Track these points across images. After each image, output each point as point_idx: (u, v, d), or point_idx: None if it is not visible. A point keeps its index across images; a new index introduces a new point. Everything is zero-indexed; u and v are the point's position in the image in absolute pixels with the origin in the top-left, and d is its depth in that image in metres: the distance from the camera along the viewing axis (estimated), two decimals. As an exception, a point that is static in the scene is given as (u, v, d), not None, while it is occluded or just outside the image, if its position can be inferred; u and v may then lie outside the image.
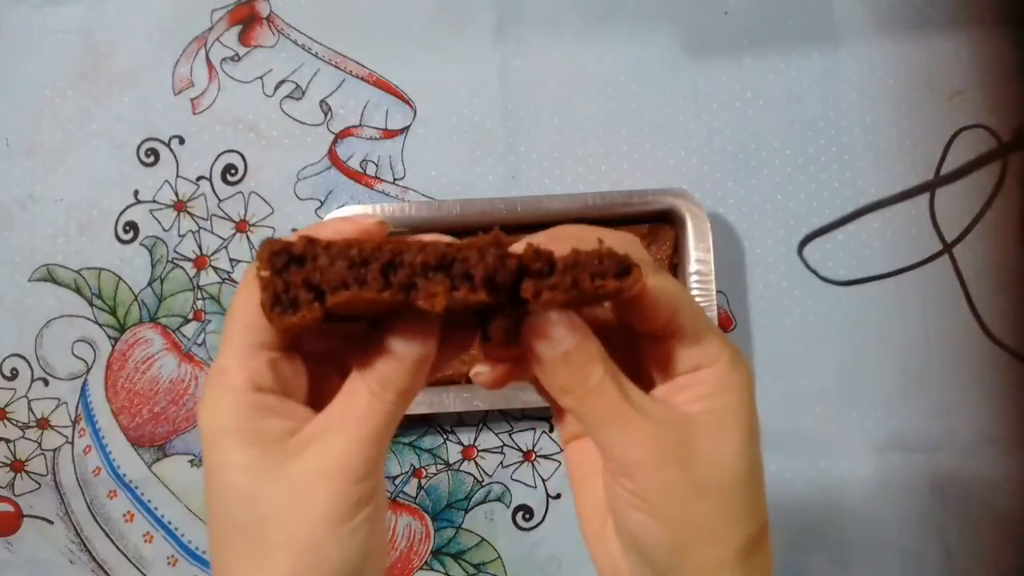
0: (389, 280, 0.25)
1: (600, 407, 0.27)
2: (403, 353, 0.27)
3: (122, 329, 0.64)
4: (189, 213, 0.65)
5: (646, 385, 0.29)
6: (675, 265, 0.61)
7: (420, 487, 0.64)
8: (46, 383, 0.64)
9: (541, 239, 0.28)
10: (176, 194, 0.65)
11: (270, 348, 0.28)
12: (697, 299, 0.58)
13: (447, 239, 0.27)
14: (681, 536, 0.27)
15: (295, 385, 0.29)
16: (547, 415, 0.64)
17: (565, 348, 0.27)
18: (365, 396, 0.27)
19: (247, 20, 0.66)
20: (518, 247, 0.27)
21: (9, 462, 0.64)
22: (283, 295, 0.25)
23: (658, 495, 0.27)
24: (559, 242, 0.27)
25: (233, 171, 0.65)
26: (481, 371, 0.32)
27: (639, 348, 0.30)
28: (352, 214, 0.34)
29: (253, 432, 0.27)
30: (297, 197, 0.65)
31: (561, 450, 0.63)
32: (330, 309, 0.25)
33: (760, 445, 0.29)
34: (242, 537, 0.27)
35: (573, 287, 0.26)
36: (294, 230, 0.64)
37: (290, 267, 0.25)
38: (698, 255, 0.58)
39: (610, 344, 0.28)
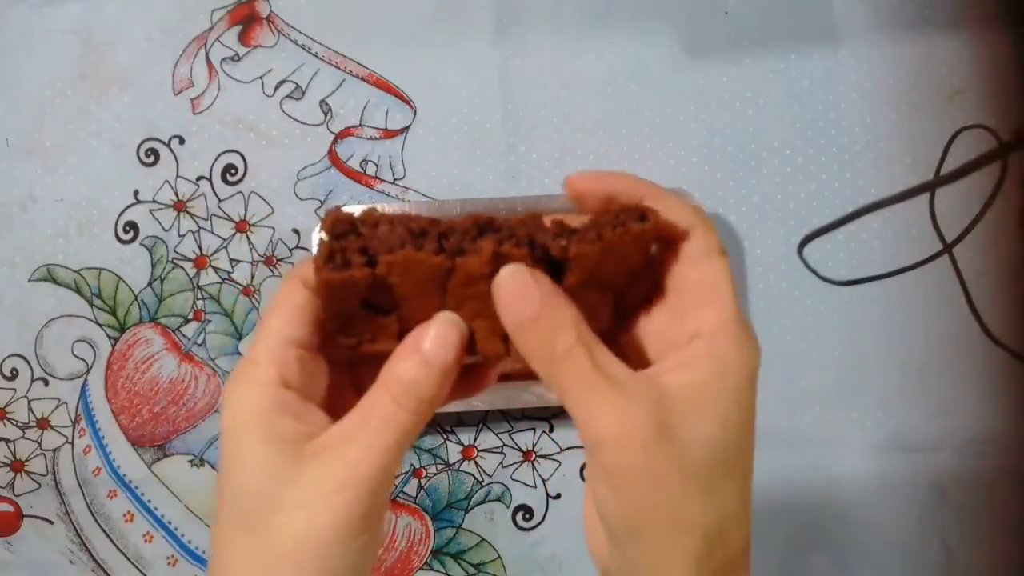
0: (442, 246, 0.27)
1: (569, 376, 0.26)
2: (431, 357, 0.27)
3: (122, 329, 0.64)
4: (189, 213, 0.65)
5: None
6: (675, 265, 0.61)
7: (420, 487, 0.64)
8: (46, 383, 0.64)
9: (584, 183, 0.29)
10: (176, 194, 0.65)
11: (301, 346, 0.28)
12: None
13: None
14: (639, 516, 0.26)
15: (316, 389, 0.29)
16: (547, 415, 0.64)
17: (532, 310, 0.26)
18: (387, 404, 0.27)
19: (247, 20, 0.66)
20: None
21: (9, 462, 0.64)
22: (338, 255, 0.27)
23: (620, 471, 0.25)
24: (604, 184, 0.28)
25: (233, 171, 0.65)
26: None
27: (644, 326, 0.29)
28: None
29: (273, 429, 0.27)
30: (297, 197, 0.65)
31: (562, 450, 0.63)
32: (379, 275, 0.27)
33: (747, 437, 0.27)
34: (249, 537, 0.27)
35: (598, 238, 0.27)
36: (295, 230, 0.64)
37: (348, 236, 0.27)
38: (698, 255, 0.58)
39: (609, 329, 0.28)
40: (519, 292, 0.26)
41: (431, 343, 0.27)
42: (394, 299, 0.28)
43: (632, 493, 0.26)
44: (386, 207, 0.60)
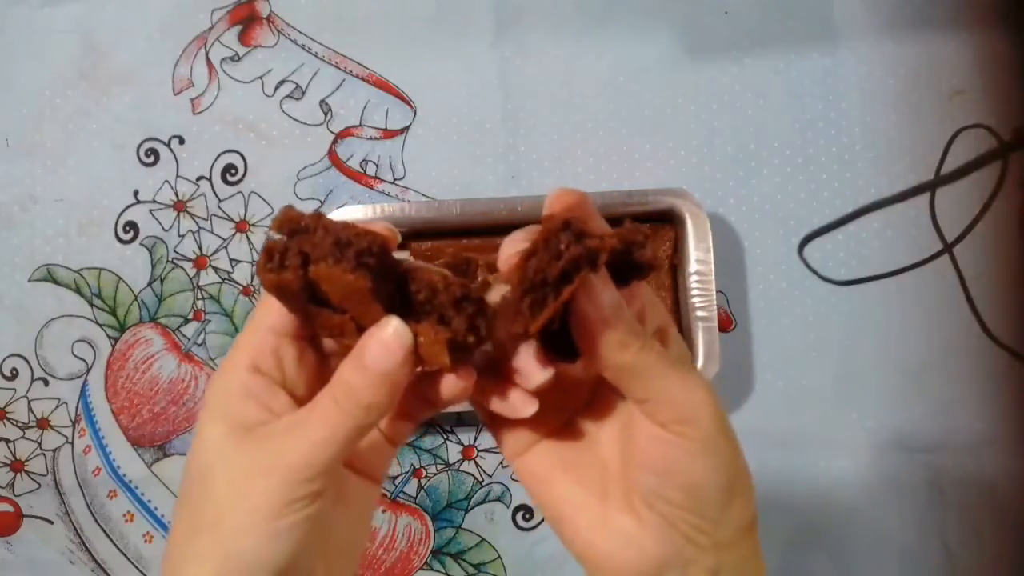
0: (362, 263, 0.26)
1: (656, 359, 0.28)
2: (369, 364, 0.27)
3: (122, 329, 0.64)
4: (189, 213, 0.65)
5: None
6: (675, 265, 0.61)
7: (420, 487, 0.64)
8: (46, 383, 0.64)
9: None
10: (176, 194, 0.65)
11: (283, 334, 0.29)
12: (697, 299, 0.58)
13: (441, 271, 0.29)
14: (733, 478, 0.29)
15: (296, 378, 0.30)
16: (547, 415, 0.64)
17: (616, 303, 0.28)
18: (327, 404, 0.28)
19: (247, 20, 0.66)
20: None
21: (9, 462, 0.64)
22: (276, 255, 0.27)
23: (715, 439, 0.28)
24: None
25: (233, 171, 0.65)
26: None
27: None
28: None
29: (232, 411, 0.28)
30: (297, 197, 0.65)
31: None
32: (311, 280, 0.27)
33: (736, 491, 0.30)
34: (187, 509, 0.28)
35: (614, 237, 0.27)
36: (294, 230, 0.64)
37: (295, 236, 0.27)
38: (698, 255, 0.58)
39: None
40: (605, 292, 0.28)
41: (370, 350, 0.27)
42: (336, 301, 0.28)
43: (725, 456, 0.29)
44: (381, 210, 0.60)
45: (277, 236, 0.27)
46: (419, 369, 0.29)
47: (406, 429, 0.33)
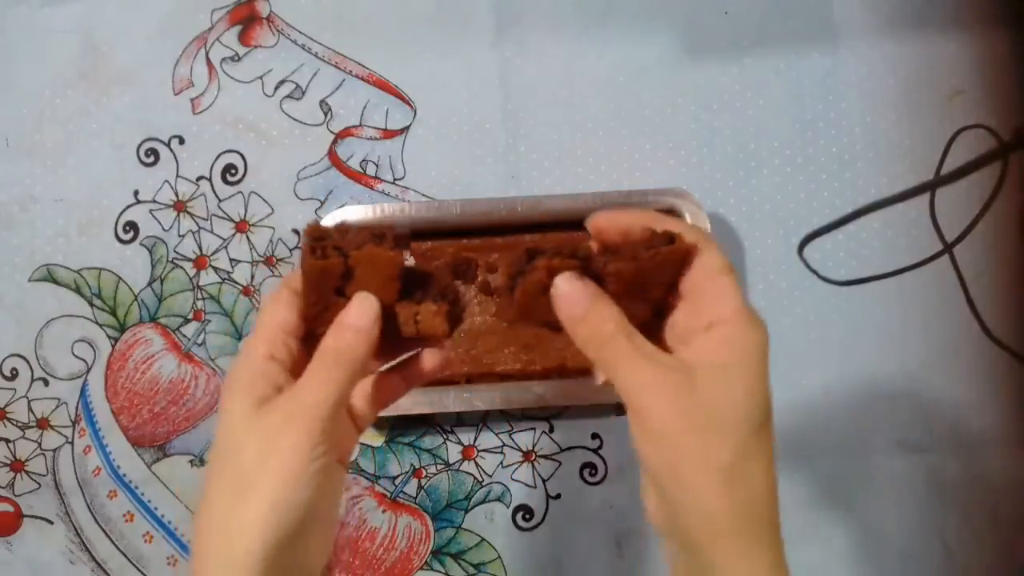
0: (397, 245, 0.35)
1: (614, 354, 0.33)
2: (351, 322, 0.35)
3: (122, 329, 0.64)
4: (189, 213, 0.65)
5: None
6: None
7: (420, 487, 0.64)
8: (46, 383, 0.64)
9: (604, 221, 0.36)
10: (176, 194, 0.65)
11: (288, 332, 0.36)
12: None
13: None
14: (674, 458, 0.32)
15: (297, 364, 0.36)
16: (547, 415, 0.64)
17: (582, 308, 0.33)
18: (318, 365, 0.35)
19: (247, 20, 0.66)
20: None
21: (9, 462, 0.64)
22: (318, 249, 0.35)
23: (657, 423, 0.32)
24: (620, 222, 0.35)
25: (233, 171, 0.65)
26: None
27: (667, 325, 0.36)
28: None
29: (252, 388, 0.34)
30: (297, 197, 0.65)
31: (562, 450, 0.64)
32: (349, 265, 0.35)
33: (769, 404, 0.32)
34: (222, 474, 0.34)
35: (633, 258, 0.33)
36: (295, 230, 0.64)
37: (325, 239, 0.35)
38: (698, 255, 0.58)
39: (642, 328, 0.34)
40: (573, 295, 0.34)
41: (350, 313, 0.35)
42: (358, 287, 0.35)
43: (667, 439, 0.32)
44: (381, 210, 0.60)
45: (308, 241, 0.35)
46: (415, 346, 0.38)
47: (372, 413, 0.40)
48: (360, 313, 0.35)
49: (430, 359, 0.39)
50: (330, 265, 0.35)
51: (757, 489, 0.32)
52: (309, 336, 0.37)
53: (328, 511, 0.36)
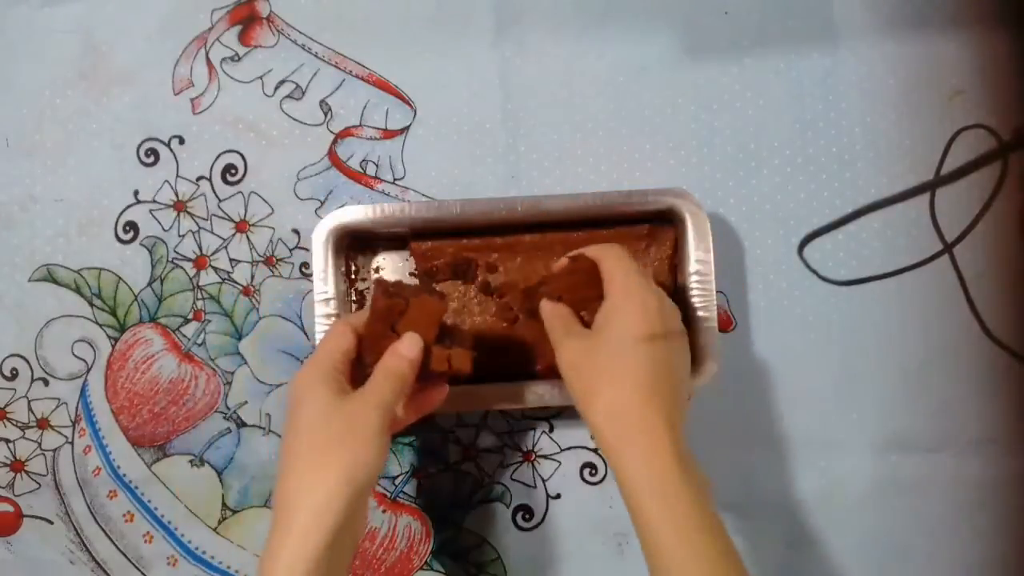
0: (441, 299, 0.51)
1: (554, 336, 0.51)
2: (403, 352, 0.49)
3: (122, 329, 0.64)
4: (189, 213, 0.65)
5: None
6: (675, 265, 0.61)
7: (420, 487, 0.64)
8: (46, 383, 0.64)
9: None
10: (176, 194, 0.65)
11: (347, 355, 0.49)
12: (697, 299, 0.58)
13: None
14: (589, 384, 0.48)
15: (352, 380, 0.49)
16: (547, 415, 0.64)
17: (547, 315, 0.53)
18: (380, 377, 0.48)
19: (247, 20, 0.66)
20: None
21: (9, 462, 0.64)
22: (390, 294, 0.49)
23: (575, 369, 0.49)
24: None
25: (233, 171, 0.65)
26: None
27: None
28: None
29: (330, 384, 0.47)
30: (297, 197, 0.65)
31: (562, 450, 0.64)
32: (407, 308, 0.49)
33: (664, 318, 0.49)
34: (304, 443, 0.46)
35: (562, 279, 0.54)
36: (295, 230, 0.64)
37: (390, 288, 0.50)
38: (698, 255, 0.58)
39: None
40: (545, 308, 0.53)
41: (404, 344, 0.49)
42: (408, 325, 0.49)
43: (583, 375, 0.48)
44: (381, 210, 0.60)
45: (382, 289, 0.49)
46: (441, 374, 0.51)
47: (392, 434, 0.51)
48: (410, 346, 0.48)
49: (441, 393, 0.54)
50: (395, 304, 0.49)
51: (675, 383, 0.49)
52: (359, 360, 0.50)
53: (372, 488, 0.51)
